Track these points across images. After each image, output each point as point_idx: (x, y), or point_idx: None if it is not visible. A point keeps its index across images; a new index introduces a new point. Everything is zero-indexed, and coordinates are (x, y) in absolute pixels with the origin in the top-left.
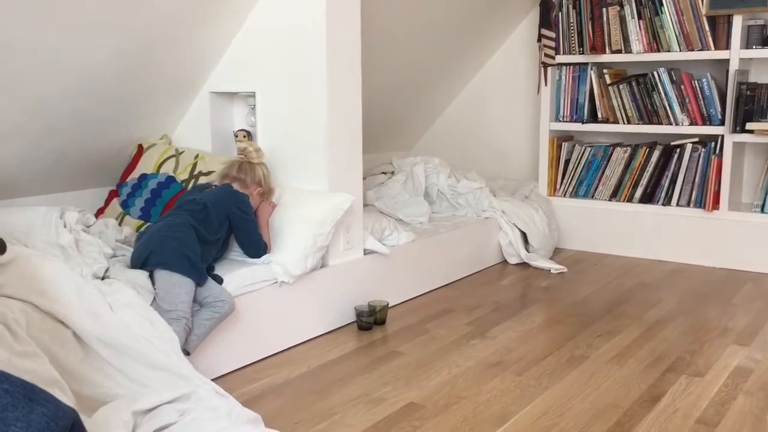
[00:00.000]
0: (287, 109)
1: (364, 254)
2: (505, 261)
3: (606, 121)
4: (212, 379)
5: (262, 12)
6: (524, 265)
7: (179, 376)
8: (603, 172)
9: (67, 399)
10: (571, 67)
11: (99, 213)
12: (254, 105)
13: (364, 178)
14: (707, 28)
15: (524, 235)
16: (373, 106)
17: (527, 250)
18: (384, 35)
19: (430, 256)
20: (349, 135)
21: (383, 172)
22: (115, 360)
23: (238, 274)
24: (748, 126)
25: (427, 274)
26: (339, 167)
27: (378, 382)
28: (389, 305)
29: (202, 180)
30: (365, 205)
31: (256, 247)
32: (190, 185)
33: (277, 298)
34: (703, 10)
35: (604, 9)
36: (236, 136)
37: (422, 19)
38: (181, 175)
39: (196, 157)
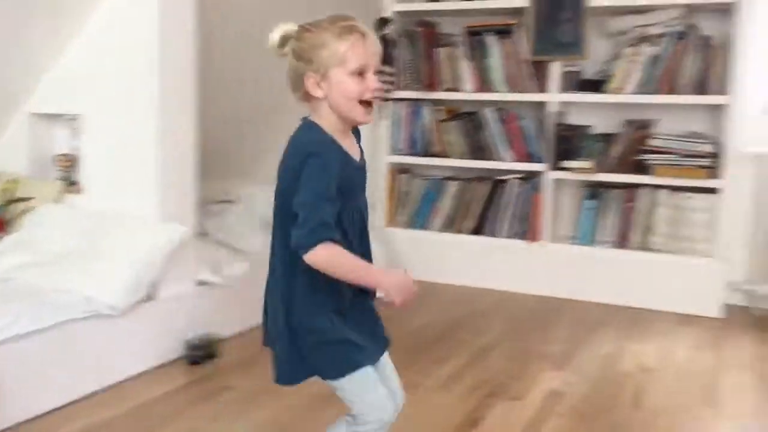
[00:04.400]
0: (116, 134)
1: (197, 285)
2: None
3: (440, 155)
4: (26, 420)
5: (89, 32)
6: None
7: None
8: (437, 204)
9: None
10: (408, 102)
11: None
12: (78, 128)
13: (201, 206)
14: (530, 72)
15: None
16: (213, 132)
17: None
18: (225, 58)
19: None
20: (183, 162)
21: (221, 201)
22: None
23: (51, 303)
24: (565, 164)
25: (262, 305)
26: (171, 195)
27: (206, 418)
28: (222, 338)
29: (19, 207)
30: (201, 234)
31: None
32: (4, 212)
33: (99, 331)
34: (526, 56)
35: (439, 49)
36: (57, 161)
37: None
38: None
39: (10, 181)
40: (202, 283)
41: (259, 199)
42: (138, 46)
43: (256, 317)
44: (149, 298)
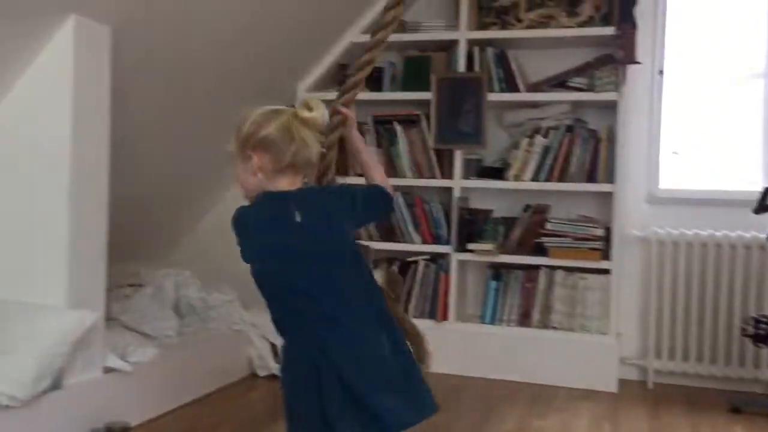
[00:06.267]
0: (24, 220)
1: (104, 372)
2: (255, 374)
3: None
4: None
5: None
6: (274, 377)
7: None
8: None
9: None
10: None
11: None
12: None
13: (109, 291)
14: (434, 159)
15: (274, 347)
16: (124, 211)
17: (276, 362)
18: (136, 137)
19: (176, 371)
20: (93, 245)
21: (130, 284)
22: None
23: None
24: (470, 246)
25: (173, 391)
26: (81, 280)
27: None
28: (130, 426)
29: None
30: (109, 319)
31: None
32: None
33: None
34: (431, 144)
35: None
36: None
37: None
38: None
39: None
40: (109, 369)
41: (170, 283)
42: (49, 131)
43: (167, 403)
44: (54, 386)
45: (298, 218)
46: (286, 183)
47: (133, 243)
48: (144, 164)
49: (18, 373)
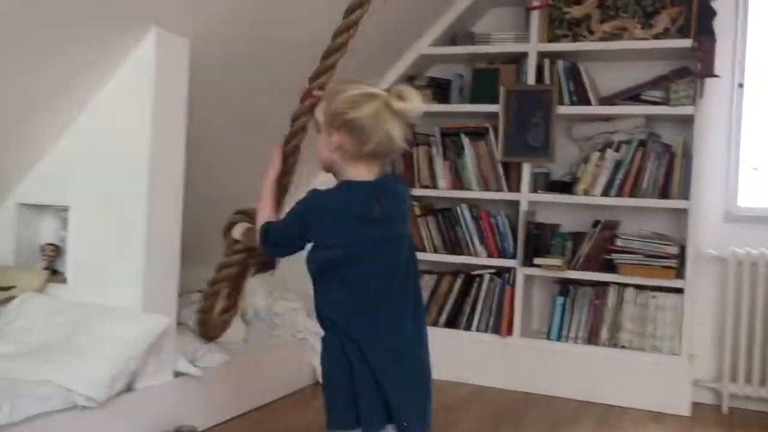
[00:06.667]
0: (102, 226)
1: (175, 377)
2: (318, 382)
3: (416, 249)
4: None
5: (81, 124)
6: None
7: None
8: None
9: None
10: None
11: None
12: (66, 219)
13: (179, 296)
14: (501, 172)
15: None
16: (194, 217)
17: None
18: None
19: (243, 377)
20: (167, 252)
21: (199, 290)
22: None
23: (29, 395)
24: (536, 261)
25: (239, 397)
26: (155, 286)
27: None
28: (197, 430)
29: (0, 295)
30: (179, 323)
31: None
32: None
33: (75, 424)
34: (498, 157)
35: (415, 148)
36: (43, 251)
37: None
38: None
39: None
40: (179, 374)
41: None
42: (129, 140)
43: (233, 409)
44: (128, 389)
45: (376, 210)
46: (363, 170)
47: (202, 248)
48: (216, 173)
49: (95, 374)
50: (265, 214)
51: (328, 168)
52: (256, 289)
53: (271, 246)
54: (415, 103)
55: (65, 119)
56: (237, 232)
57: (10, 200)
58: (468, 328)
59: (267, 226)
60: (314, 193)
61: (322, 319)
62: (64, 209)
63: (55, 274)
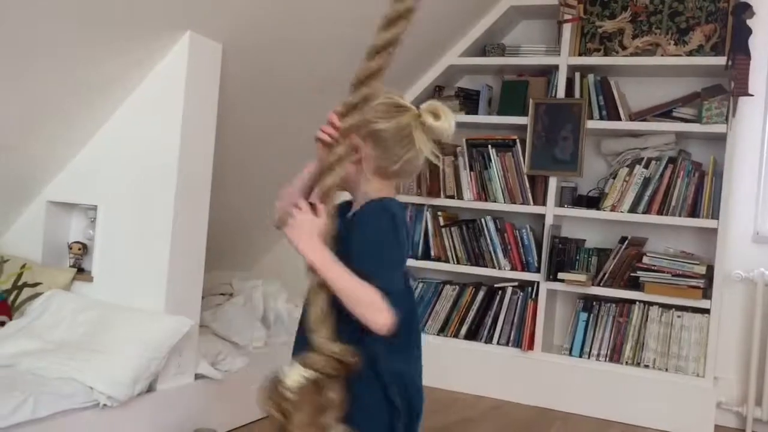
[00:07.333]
0: (130, 226)
1: (195, 379)
2: None
3: (438, 259)
4: None
5: (112, 125)
6: None
7: None
8: (433, 308)
9: None
10: (410, 207)
11: None
12: (94, 218)
13: (202, 298)
14: (528, 185)
15: None
16: (219, 222)
17: None
18: (239, 151)
19: (263, 381)
20: (193, 255)
21: (221, 293)
22: None
23: (52, 393)
24: (560, 275)
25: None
26: (180, 287)
27: None
28: None
29: (27, 292)
30: (200, 326)
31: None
32: (12, 297)
33: (96, 422)
34: (525, 170)
35: (442, 158)
36: (70, 249)
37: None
38: (3, 285)
39: (23, 267)
40: (200, 376)
41: (258, 294)
42: (159, 143)
43: (253, 413)
44: (149, 389)
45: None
46: (387, 190)
47: (226, 252)
48: (243, 177)
49: (117, 374)
50: (345, 276)
51: (343, 183)
52: (277, 294)
53: (397, 310)
54: (450, 122)
55: (98, 120)
56: (294, 378)
57: (41, 198)
58: (489, 341)
59: (383, 286)
60: (387, 201)
61: (384, 380)
62: (93, 208)
63: (81, 272)
